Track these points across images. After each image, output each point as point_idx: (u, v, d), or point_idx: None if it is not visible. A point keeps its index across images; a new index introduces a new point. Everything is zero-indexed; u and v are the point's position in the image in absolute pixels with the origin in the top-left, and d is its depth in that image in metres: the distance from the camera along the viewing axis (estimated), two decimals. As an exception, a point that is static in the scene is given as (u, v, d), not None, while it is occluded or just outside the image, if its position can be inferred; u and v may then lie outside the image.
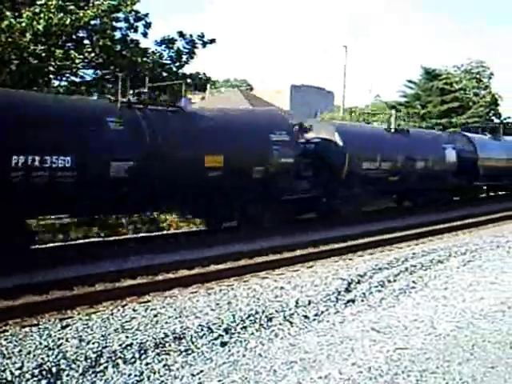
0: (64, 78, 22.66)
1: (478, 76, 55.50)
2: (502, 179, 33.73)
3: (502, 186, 35.86)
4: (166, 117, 16.35)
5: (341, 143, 21.86)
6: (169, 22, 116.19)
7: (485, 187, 35.25)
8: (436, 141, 28.51)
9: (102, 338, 7.92)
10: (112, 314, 9.22)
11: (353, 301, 10.47)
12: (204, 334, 8.29)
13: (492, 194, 36.85)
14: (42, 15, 19.00)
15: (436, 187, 27.31)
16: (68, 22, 19.33)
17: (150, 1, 37.04)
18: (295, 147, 19.72)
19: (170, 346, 7.86)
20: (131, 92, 18.77)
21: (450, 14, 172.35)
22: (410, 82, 53.80)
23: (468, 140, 31.55)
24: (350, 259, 14.87)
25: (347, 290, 10.98)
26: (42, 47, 19.45)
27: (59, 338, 7.92)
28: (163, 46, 23.71)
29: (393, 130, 26.01)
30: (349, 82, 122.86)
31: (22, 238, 13.62)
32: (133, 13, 22.54)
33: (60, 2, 19.59)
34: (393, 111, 31.37)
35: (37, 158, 12.94)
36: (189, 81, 24.23)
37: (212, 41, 24.45)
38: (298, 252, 15.71)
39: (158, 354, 7.58)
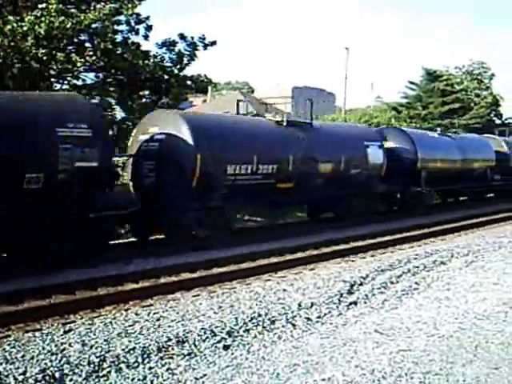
0: (65, 82, 22.70)
1: (479, 77, 55.58)
2: (457, 183, 28.92)
3: (457, 191, 30.88)
4: None
5: (191, 141, 16.71)
6: (169, 23, 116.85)
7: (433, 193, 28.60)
8: (355, 137, 23.12)
9: (104, 343, 7.92)
10: (115, 318, 9.23)
11: (355, 303, 10.47)
12: (207, 338, 8.29)
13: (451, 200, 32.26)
14: (43, 19, 19.03)
15: (353, 194, 22.06)
16: (69, 25, 19.35)
17: (150, 3, 37.66)
18: (104, 146, 14.49)
19: (173, 349, 7.87)
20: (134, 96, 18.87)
21: (451, 14, 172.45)
22: (411, 83, 53.93)
23: (406, 137, 26.24)
24: (353, 261, 14.86)
25: (350, 292, 10.98)
26: (44, 51, 19.46)
27: (62, 343, 7.92)
28: (164, 48, 23.72)
29: (285, 123, 20.17)
30: (350, 83, 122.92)
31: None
32: (134, 16, 22.58)
33: (61, 6, 19.63)
34: (289, 100, 25.53)
35: None
36: (190, 83, 24.27)
37: (213, 43, 24.44)
38: (300, 254, 15.70)
39: (161, 358, 7.59)
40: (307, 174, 20.05)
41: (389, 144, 25.18)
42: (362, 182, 22.38)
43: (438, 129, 31.88)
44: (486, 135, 35.02)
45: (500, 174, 32.21)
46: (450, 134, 30.40)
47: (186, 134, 16.75)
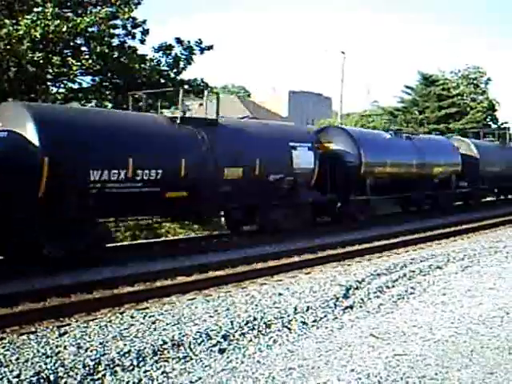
0: (62, 85, 22.71)
1: (475, 81, 55.70)
2: (413, 191, 25.59)
3: (415, 200, 26.69)
4: None
5: (36, 139, 13.47)
6: (169, 23, 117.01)
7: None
8: (276, 137, 19.53)
9: (100, 346, 7.91)
10: (110, 321, 9.21)
11: (351, 307, 10.47)
12: (202, 341, 8.27)
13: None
14: (39, 22, 19.04)
15: (275, 204, 19.05)
16: (65, 28, 19.38)
17: (149, 3, 37.65)
18: None
19: (168, 353, 7.85)
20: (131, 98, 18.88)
21: (448, 17, 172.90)
22: (407, 87, 54.07)
23: (347, 138, 22.72)
24: (349, 265, 14.85)
25: (345, 296, 10.98)
26: (40, 54, 19.48)
27: (57, 346, 7.90)
28: (161, 52, 23.76)
29: (179, 121, 16.77)
30: (346, 88, 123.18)
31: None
32: (130, 20, 22.63)
33: (57, 10, 19.65)
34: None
35: None
36: (186, 87, 24.30)
37: (210, 47, 24.50)
38: (296, 258, 15.69)
39: (156, 362, 7.57)
40: (207, 180, 16.72)
41: (326, 146, 22.31)
42: (285, 189, 19.30)
43: (393, 128, 28.89)
44: (454, 137, 33.13)
45: (467, 180, 29.48)
46: (408, 135, 27.11)
47: (30, 131, 13.56)
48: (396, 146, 25.18)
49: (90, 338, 8.31)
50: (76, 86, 22.74)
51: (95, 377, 7.06)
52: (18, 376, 6.86)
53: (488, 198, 36.34)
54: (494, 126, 53.77)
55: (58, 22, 19.32)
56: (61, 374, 6.99)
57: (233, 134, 18.21)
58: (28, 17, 19.37)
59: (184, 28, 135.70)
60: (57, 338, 8.30)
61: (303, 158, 19.84)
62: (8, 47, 18.93)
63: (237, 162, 17.66)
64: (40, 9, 19.73)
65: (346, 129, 24.64)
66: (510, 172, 32.98)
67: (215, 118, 17.92)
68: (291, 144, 19.59)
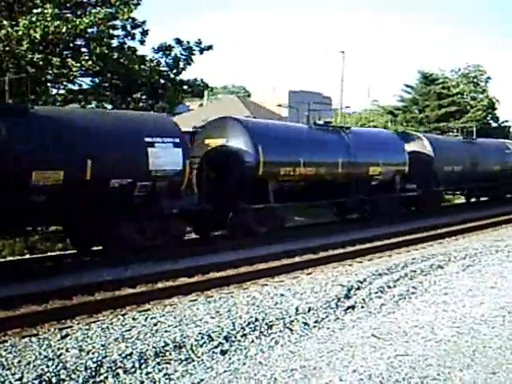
0: (61, 87, 22.69)
1: (475, 80, 55.62)
2: (341, 195, 21.78)
3: (347, 207, 22.80)
4: None
5: None
6: (168, 25, 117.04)
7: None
8: (124, 130, 15.59)
9: (101, 348, 7.90)
10: (112, 323, 9.22)
11: (353, 307, 10.45)
12: (204, 343, 8.27)
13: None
14: (38, 23, 19.02)
15: (125, 219, 15.41)
16: (64, 29, 19.35)
17: (147, 6, 37.66)
18: None
19: (170, 354, 7.84)
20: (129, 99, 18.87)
21: (448, 17, 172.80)
22: (407, 86, 53.93)
23: (241, 130, 18.80)
24: (350, 265, 14.85)
25: (347, 297, 10.96)
26: (39, 55, 19.46)
27: (59, 348, 7.91)
28: (160, 53, 23.74)
29: None
30: (346, 87, 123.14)
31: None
32: (130, 20, 22.60)
33: (56, 11, 19.62)
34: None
35: None
36: (186, 87, 24.29)
37: (209, 47, 24.45)
38: (297, 259, 15.68)
39: (158, 363, 7.56)
40: (3, 187, 13.04)
41: (212, 141, 18.73)
42: (138, 198, 15.40)
43: (320, 121, 23.66)
44: (406, 132, 29.72)
45: (416, 181, 25.41)
46: (335, 129, 22.91)
47: None
48: (315, 142, 21.25)
49: (91, 340, 8.31)
50: (76, 87, 22.74)
51: (97, 379, 7.06)
52: (21, 379, 6.86)
53: (456, 201, 34.01)
54: (494, 124, 53.78)
55: (58, 23, 19.27)
56: (63, 377, 6.99)
57: (51, 126, 14.14)
58: (27, 18, 19.34)
59: (184, 28, 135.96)
60: (59, 340, 8.31)
61: (166, 158, 15.81)
62: (7, 48, 18.91)
63: (55, 163, 13.82)
64: (39, 10, 19.68)
65: (241, 120, 20.03)
66: (476, 171, 29.45)
67: (23, 105, 14.55)
68: (147, 139, 15.60)
